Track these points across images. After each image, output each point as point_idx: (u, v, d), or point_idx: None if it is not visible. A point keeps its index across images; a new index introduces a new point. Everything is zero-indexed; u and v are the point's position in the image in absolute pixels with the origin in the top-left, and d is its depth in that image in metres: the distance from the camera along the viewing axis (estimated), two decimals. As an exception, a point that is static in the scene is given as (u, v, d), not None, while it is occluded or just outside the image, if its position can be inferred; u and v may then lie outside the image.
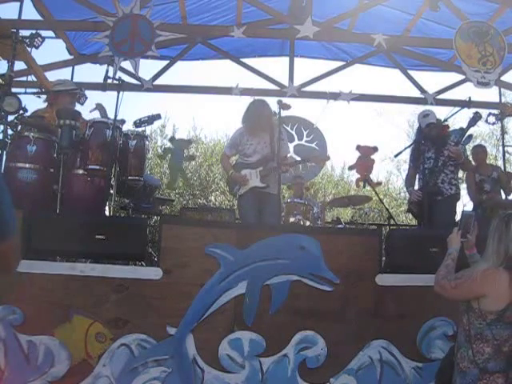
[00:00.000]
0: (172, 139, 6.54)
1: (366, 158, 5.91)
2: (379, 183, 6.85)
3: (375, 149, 6.10)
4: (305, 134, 7.05)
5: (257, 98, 4.85)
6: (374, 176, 11.44)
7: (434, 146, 4.37)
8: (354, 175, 13.17)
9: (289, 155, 5.04)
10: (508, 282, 2.17)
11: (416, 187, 4.53)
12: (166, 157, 6.35)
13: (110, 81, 4.24)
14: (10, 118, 4.09)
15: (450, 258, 2.46)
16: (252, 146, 4.52)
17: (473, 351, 2.21)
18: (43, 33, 5.06)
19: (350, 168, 6.24)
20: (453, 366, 2.35)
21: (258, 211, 4.45)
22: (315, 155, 4.71)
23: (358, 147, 6.10)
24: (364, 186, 6.16)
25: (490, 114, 4.76)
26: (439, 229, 3.83)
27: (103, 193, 3.96)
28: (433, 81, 7.30)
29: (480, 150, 5.77)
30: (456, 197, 4.40)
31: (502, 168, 6.21)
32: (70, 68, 6.99)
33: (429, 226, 4.12)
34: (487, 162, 5.99)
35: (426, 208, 4.09)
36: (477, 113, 4.19)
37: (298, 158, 6.22)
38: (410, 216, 13.93)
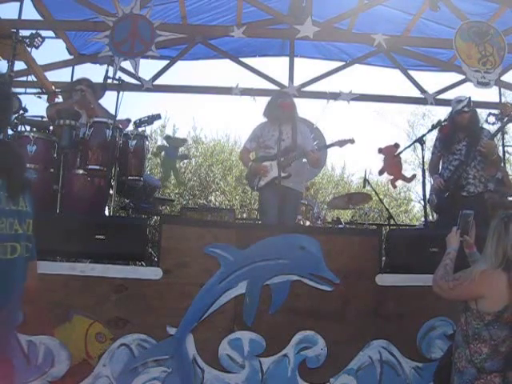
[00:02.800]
0: (168, 137, 6.52)
1: (391, 157, 5.85)
2: (414, 176, 6.66)
3: (396, 145, 5.98)
4: (305, 133, 7.04)
5: (279, 90, 4.69)
6: (375, 176, 11.48)
7: (465, 137, 4.23)
8: (354, 175, 13.21)
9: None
10: (506, 283, 2.18)
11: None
12: (160, 154, 6.34)
13: (110, 81, 4.25)
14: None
15: (449, 258, 2.46)
16: (274, 138, 4.30)
17: (470, 351, 2.21)
18: (43, 33, 5.06)
19: (381, 172, 6.14)
20: (451, 365, 2.36)
21: (278, 206, 4.12)
22: (339, 139, 4.44)
23: (380, 150, 6.01)
24: (364, 186, 6.16)
25: (489, 113, 4.75)
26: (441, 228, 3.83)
27: (103, 193, 3.96)
28: (433, 81, 7.32)
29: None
30: (483, 195, 4.26)
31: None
32: (70, 68, 7.00)
33: (449, 222, 4.05)
34: None
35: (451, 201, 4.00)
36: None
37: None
38: (410, 216, 13.95)
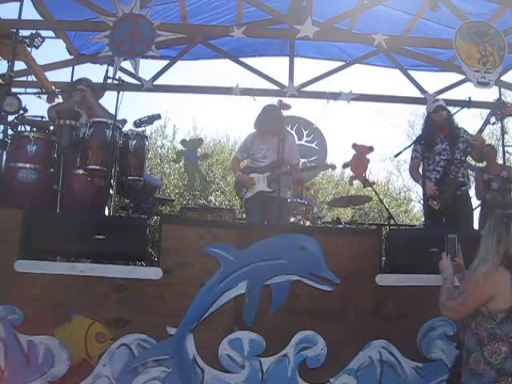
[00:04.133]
0: (183, 141, 6.56)
1: (361, 156, 5.92)
2: (373, 183, 6.89)
3: (371, 148, 6.11)
4: (305, 133, 7.06)
5: (269, 103, 4.76)
6: (374, 176, 11.49)
7: (446, 137, 4.35)
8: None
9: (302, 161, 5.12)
10: (510, 281, 2.17)
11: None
12: (181, 160, 6.36)
13: (110, 81, 4.25)
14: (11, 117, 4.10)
15: (449, 282, 2.43)
16: (262, 151, 4.56)
17: (488, 352, 2.19)
18: (43, 33, 5.06)
19: (345, 166, 6.24)
20: (459, 376, 2.33)
21: (263, 214, 4.46)
22: (323, 163, 4.87)
23: (354, 145, 6.12)
24: (364, 186, 6.16)
25: (490, 113, 4.76)
26: (441, 228, 3.84)
27: (103, 193, 3.96)
28: (433, 81, 7.32)
29: (489, 150, 5.79)
30: (469, 192, 4.45)
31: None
32: (70, 68, 7.00)
33: (454, 223, 4.08)
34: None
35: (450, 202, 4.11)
36: (499, 99, 4.24)
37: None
38: (410, 216, 13.96)
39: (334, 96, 6.63)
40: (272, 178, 4.42)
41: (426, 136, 4.40)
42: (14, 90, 4.43)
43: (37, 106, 5.15)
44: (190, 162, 6.13)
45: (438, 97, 6.55)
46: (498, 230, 2.27)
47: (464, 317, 2.34)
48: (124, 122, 4.55)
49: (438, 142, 4.36)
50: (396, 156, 4.63)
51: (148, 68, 6.86)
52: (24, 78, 6.18)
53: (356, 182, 6.65)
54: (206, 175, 9.56)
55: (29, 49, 5.15)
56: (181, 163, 6.83)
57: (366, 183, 5.96)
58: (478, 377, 2.20)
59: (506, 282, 2.17)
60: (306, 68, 7.38)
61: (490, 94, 6.73)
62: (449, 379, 2.57)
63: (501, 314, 2.18)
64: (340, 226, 6.25)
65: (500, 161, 6.50)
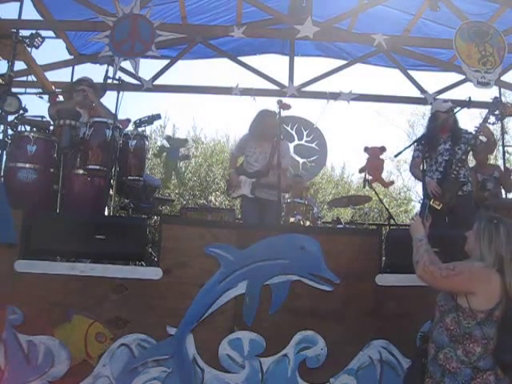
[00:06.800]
0: (169, 138, 6.57)
1: (375, 158, 5.91)
2: (392, 182, 6.92)
3: (383, 149, 6.11)
4: (305, 134, 7.06)
5: (265, 108, 4.77)
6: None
7: (449, 138, 4.34)
8: (354, 175, 13.23)
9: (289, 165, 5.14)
10: (499, 283, 2.22)
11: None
12: (162, 155, 6.36)
13: (110, 81, 4.25)
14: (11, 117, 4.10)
15: (425, 244, 2.47)
16: (255, 156, 4.65)
17: (463, 351, 2.20)
18: (43, 33, 5.07)
19: (361, 170, 6.22)
20: (423, 369, 2.34)
21: (259, 214, 4.53)
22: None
23: (366, 149, 6.11)
24: (364, 186, 6.16)
25: (488, 112, 4.77)
26: (442, 228, 3.84)
27: (103, 193, 3.96)
28: (433, 81, 7.32)
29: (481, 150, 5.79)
30: (472, 193, 4.41)
31: (503, 168, 6.21)
32: (70, 68, 7.00)
33: (455, 224, 4.08)
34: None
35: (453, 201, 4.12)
36: (496, 97, 4.29)
37: (298, 159, 6.41)
38: (410, 216, 13.96)
39: (334, 96, 6.62)
40: (255, 186, 4.50)
41: (430, 136, 4.39)
42: (14, 89, 4.43)
43: (37, 106, 5.16)
44: (170, 159, 6.12)
45: (437, 97, 6.57)
46: (488, 231, 2.31)
47: (439, 289, 2.37)
48: (128, 121, 4.56)
49: (441, 142, 4.36)
50: (396, 156, 4.63)
51: (148, 68, 6.87)
52: (24, 78, 6.18)
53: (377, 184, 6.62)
54: (184, 177, 9.57)
55: (29, 49, 5.16)
56: (161, 158, 6.78)
57: (384, 183, 5.98)
58: (452, 376, 2.21)
59: (496, 285, 2.21)
60: (306, 68, 7.38)
61: (490, 94, 6.75)
62: (411, 371, 2.56)
63: (481, 314, 2.20)
64: (340, 225, 6.25)
65: (500, 161, 6.50)
